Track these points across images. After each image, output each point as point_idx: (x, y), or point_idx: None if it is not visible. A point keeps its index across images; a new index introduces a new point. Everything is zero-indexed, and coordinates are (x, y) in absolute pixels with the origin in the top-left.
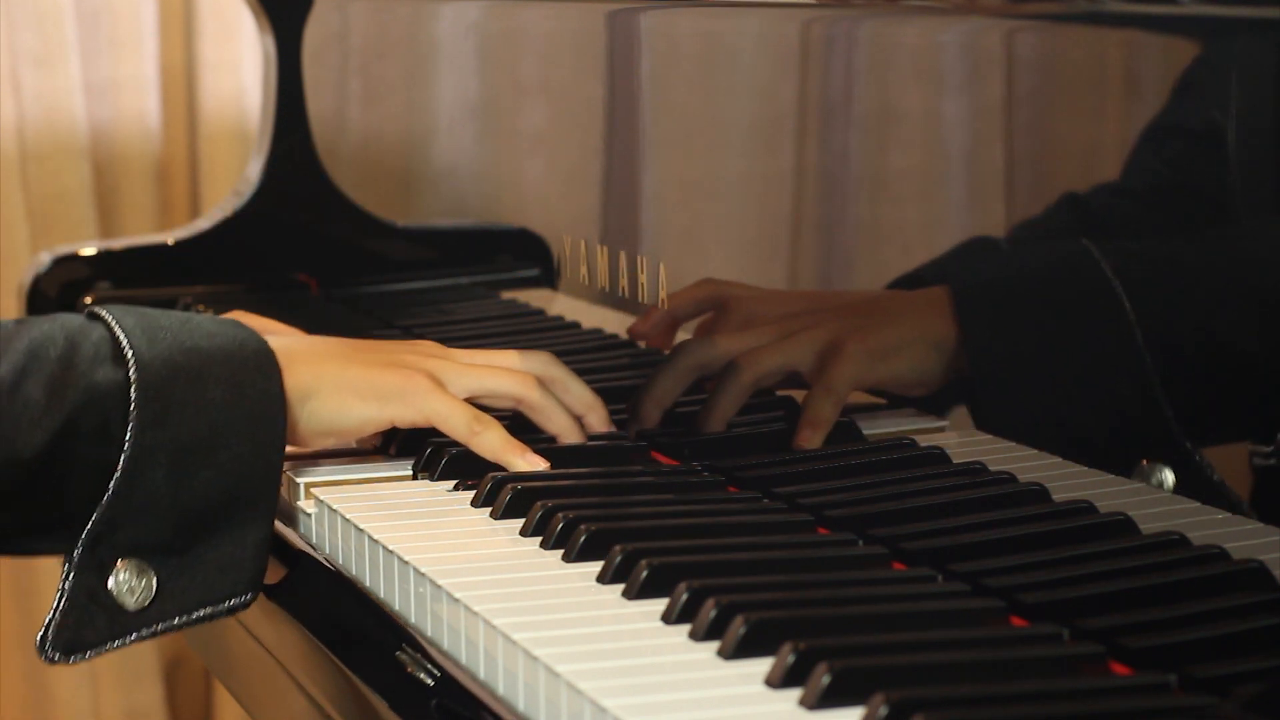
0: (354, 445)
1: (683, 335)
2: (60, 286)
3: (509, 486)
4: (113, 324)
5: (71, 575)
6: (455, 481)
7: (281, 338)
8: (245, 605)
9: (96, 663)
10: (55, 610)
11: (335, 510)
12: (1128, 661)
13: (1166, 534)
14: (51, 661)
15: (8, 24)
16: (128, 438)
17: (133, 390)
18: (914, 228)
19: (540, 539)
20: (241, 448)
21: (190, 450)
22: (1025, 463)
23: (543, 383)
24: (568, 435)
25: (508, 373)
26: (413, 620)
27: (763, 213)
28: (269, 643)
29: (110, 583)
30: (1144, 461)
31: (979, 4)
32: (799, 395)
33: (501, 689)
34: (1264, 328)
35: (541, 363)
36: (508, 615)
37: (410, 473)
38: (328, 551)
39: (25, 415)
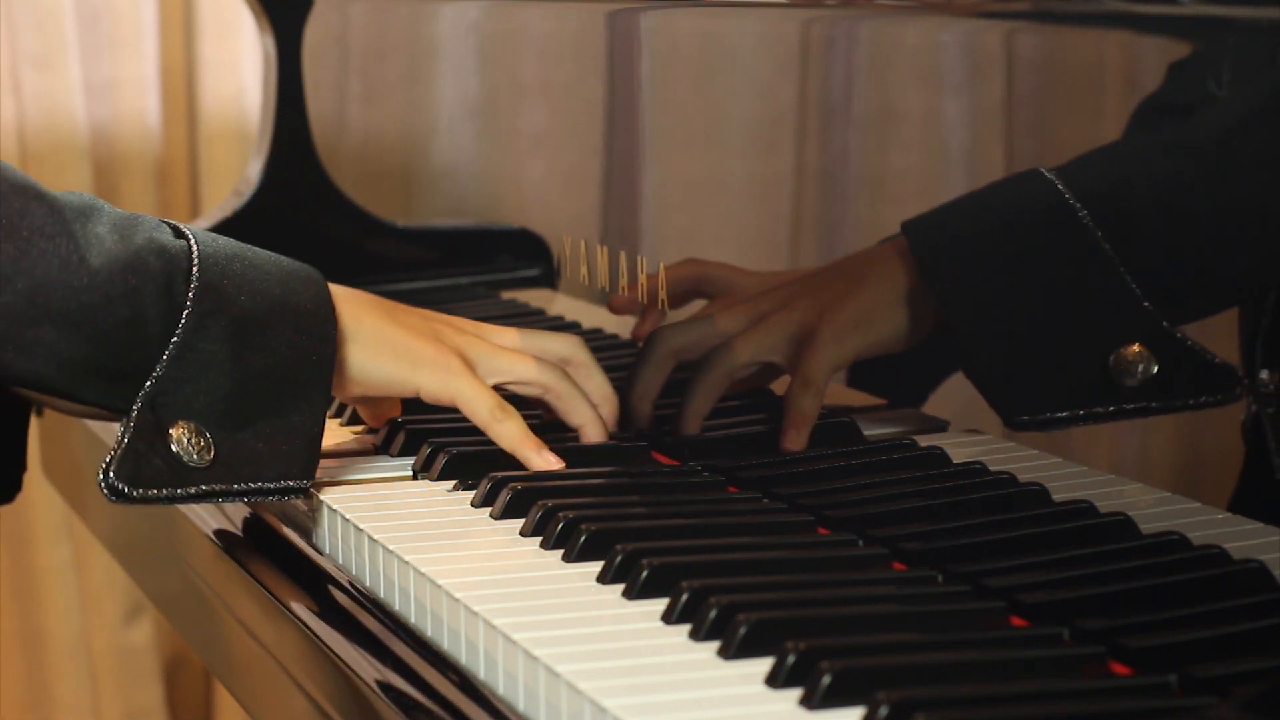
0: (344, 438)
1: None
2: None
3: (509, 487)
4: (168, 221)
5: (131, 426)
6: (455, 482)
7: (333, 285)
8: (297, 491)
9: (96, 663)
10: (116, 449)
11: (335, 510)
12: (1128, 661)
13: (1166, 534)
14: (116, 495)
15: (8, 24)
16: (189, 299)
17: (195, 256)
18: None
19: (540, 539)
20: (297, 336)
21: (247, 325)
22: (1025, 463)
23: (568, 366)
24: (589, 427)
25: (534, 360)
26: (413, 621)
27: (763, 213)
28: (269, 643)
29: (170, 441)
30: (1128, 349)
31: (979, 4)
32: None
33: (501, 689)
34: (1217, 199)
35: (570, 346)
36: (508, 615)
37: (410, 473)
38: (328, 552)
39: (98, 245)
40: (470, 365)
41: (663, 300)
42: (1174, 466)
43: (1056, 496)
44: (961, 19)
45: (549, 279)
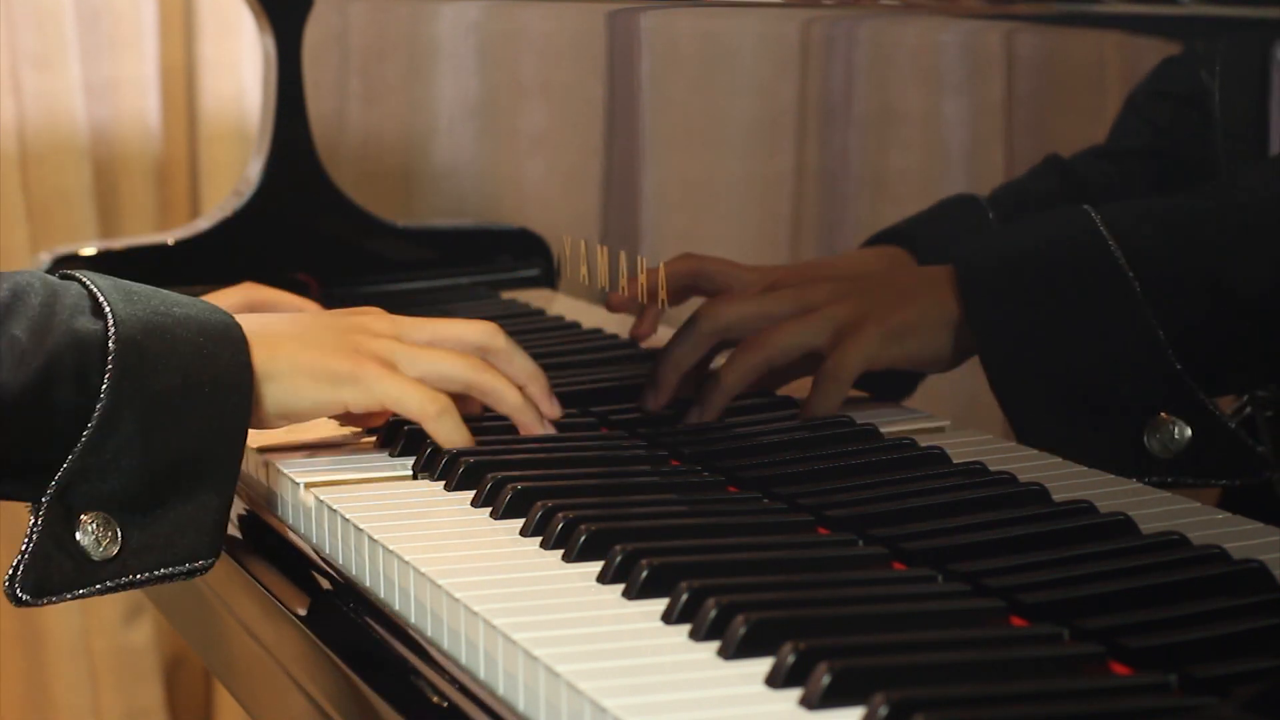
0: (344, 437)
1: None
2: None
3: (509, 487)
4: (88, 282)
5: (40, 522)
6: (456, 481)
7: (243, 315)
8: (204, 570)
9: (97, 663)
10: (24, 553)
11: (335, 510)
12: (1128, 661)
13: (1166, 534)
14: (19, 603)
15: (8, 24)
16: (104, 387)
17: (111, 341)
18: None
19: (540, 539)
20: (209, 411)
21: (162, 407)
22: (1025, 463)
23: (488, 354)
24: (519, 414)
25: (455, 356)
26: (413, 620)
27: (763, 213)
28: (269, 643)
29: (78, 533)
30: (1162, 414)
31: (979, 4)
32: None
33: (501, 689)
34: (1262, 272)
35: (486, 334)
36: (508, 615)
37: (410, 472)
38: (327, 551)
39: (10, 354)
40: (390, 367)
41: (662, 300)
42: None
43: (1056, 496)
44: (961, 19)
45: (549, 279)
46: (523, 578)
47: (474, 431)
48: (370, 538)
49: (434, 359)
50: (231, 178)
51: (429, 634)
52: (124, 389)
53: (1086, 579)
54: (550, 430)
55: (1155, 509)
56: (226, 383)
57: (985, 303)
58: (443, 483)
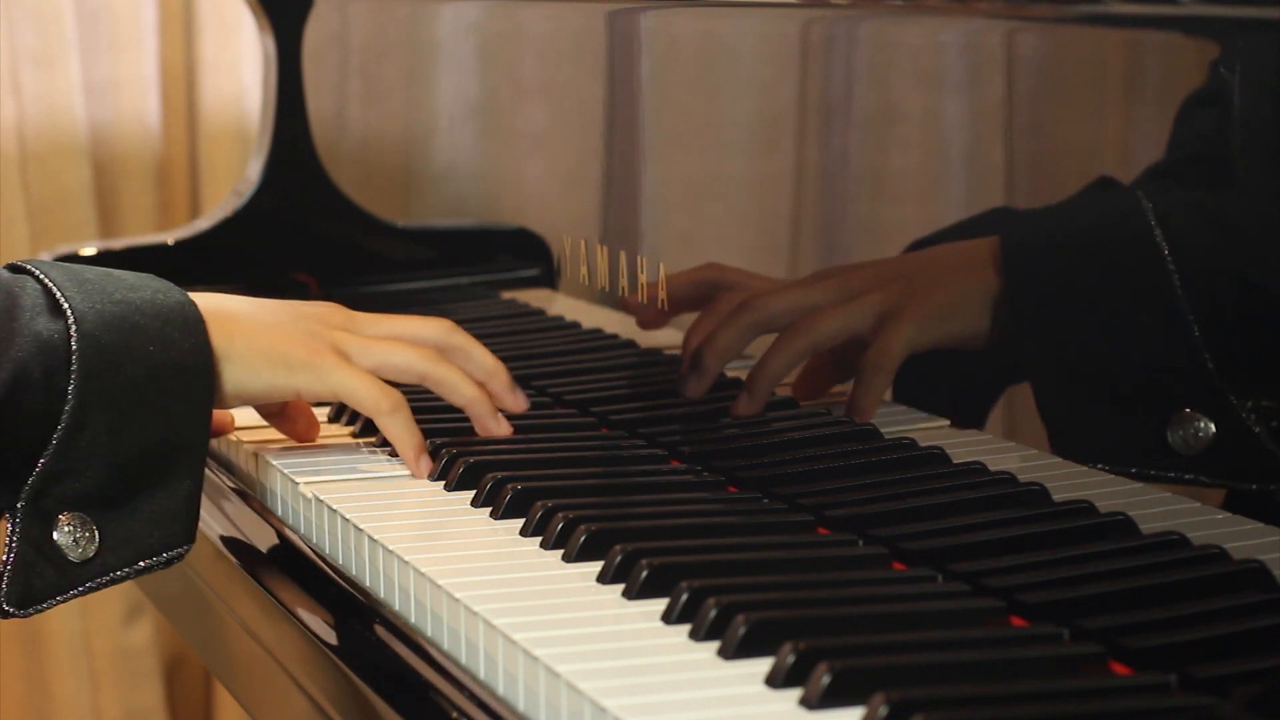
0: (341, 437)
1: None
2: None
3: (509, 487)
4: (42, 277)
5: (18, 529)
6: (455, 481)
7: (198, 294)
8: (180, 557)
9: (96, 663)
10: (6, 565)
11: (335, 510)
12: (1128, 661)
13: (1166, 534)
14: (5, 615)
15: (8, 24)
16: (70, 389)
17: (73, 341)
18: (914, 228)
19: (540, 539)
20: (174, 399)
21: (128, 401)
22: (1025, 463)
23: (445, 351)
24: (474, 406)
25: (409, 348)
26: (413, 620)
27: (763, 213)
28: (269, 643)
29: (55, 535)
30: (1186, 410)
31: (979, 4)
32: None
33: (501, 689)
34: None
35: (442, 331)
36: (508, 615)
37: (410, 472)
38: (327, 551)
39: None
40: (345, 358)
41: (662, 300)
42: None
43: (1056, 496)
44: (961, 19)
45: (549, 279)
46: (523, 578)
47: (463, 432)
48: (371, 538)
49: (388, 350)
50: (231, 178)
51: (429, 634)
52: (90, 389)
53: (1086, 579)
54: (505, 428)
55: (1155, 509)
56: (188, 367)
57: (1026, 280)
58: (442, 483)
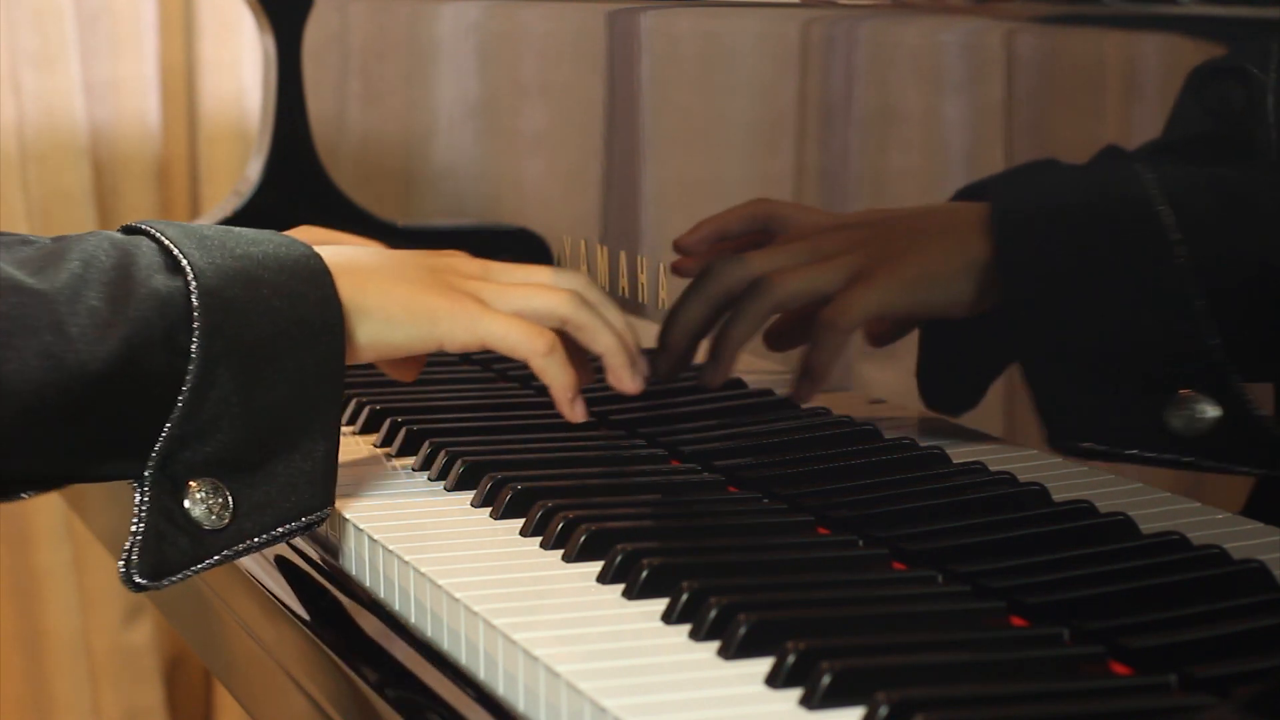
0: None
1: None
2: None
3: (509, 487)
4: (158, 235)
5: (147, 498)
6: (455, 481)
7: (324, 247)
8: (320, 520)
9: (96, 663)
10: (135, 535)
11: (335, 510)
12: (1128, 661)
13: (1166, 534)
14: (139, 589)
15: (8, 24)
16: (194, 347)
17: (194, 297)
18: None
19: (540, 539)
20: (305, 355)
21: (256, 358)
22: (1025, 463)
23: (586, 302)
24: (613, 355)
25: (551, 290)
26: (412, 620)
27: None
28: (269, 643)
29: (186, 503)
30: (1182, 392)
31: (979, 4)
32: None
33: (501, 689)
34: None
35: (578, 283)
36: (508, 615)
37: (408, 472)
38: (326, 551)
39: (90, 325)
40: (485, 305)
41: (662, 300)
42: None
43: (1056, 496)
44: (961, 19)
45: None
46: (523, 578)
47: (477, 431)
48: (370, 537)
49: (528, 294)
50: (231, 178)
51: (429, 634)
52: (215, 346)
53: (1086, 579)
54: (638, 382)
55: (1155, 509)
56: (317, 322)
57: (1020, 249)
58: (442, 483)
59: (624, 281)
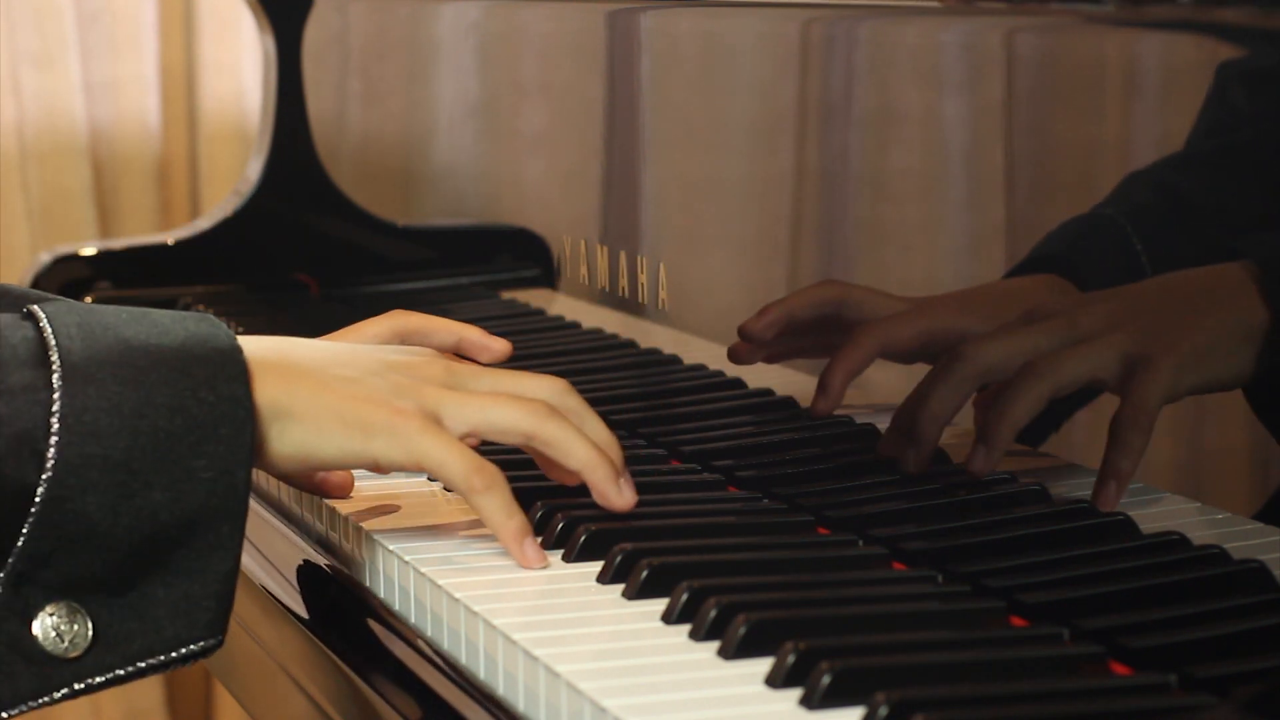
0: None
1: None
2: (60, 286)
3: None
4: (42, 321)
5: None
6: None
7: (260, 339)
8: (205, 653)
9: None
10: None
11: (334, 510)
12: (1128, 661)
13: (1166, 534)
14: None
15: (8, 24)
16: (50, 453)
17: (56, 395)
18: (914, 228)
19: (540, 539)
20: (198, 461)
21: (132, 465)
22: (1025, 463)
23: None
24: (593, 470)
25: (513, 402)
26: (412, 621)
27: (763, 213)
28: (269, 643)
29: (36, 627)
30: None
31: (979, 4)
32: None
33: (501, 689)
34: None
35: (555, 390)
36: (507, 615)
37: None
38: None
39: None
40: (435, 419)
41: (662, 300)
42: (1174, 466)
43: (1056, 497)
44: (961, 19)
45: (549, 279)
46: (522, 577)
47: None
48: (369, 536)
49: (487, 405)
50: (231, 178)
51: (429, 634)
52: (74, 454)
53: (1086, 579)
54: (628, 497)
55: (1155, 509)
56: (218, 425)
57: None
58: (441, 483)
59: (624, 281)
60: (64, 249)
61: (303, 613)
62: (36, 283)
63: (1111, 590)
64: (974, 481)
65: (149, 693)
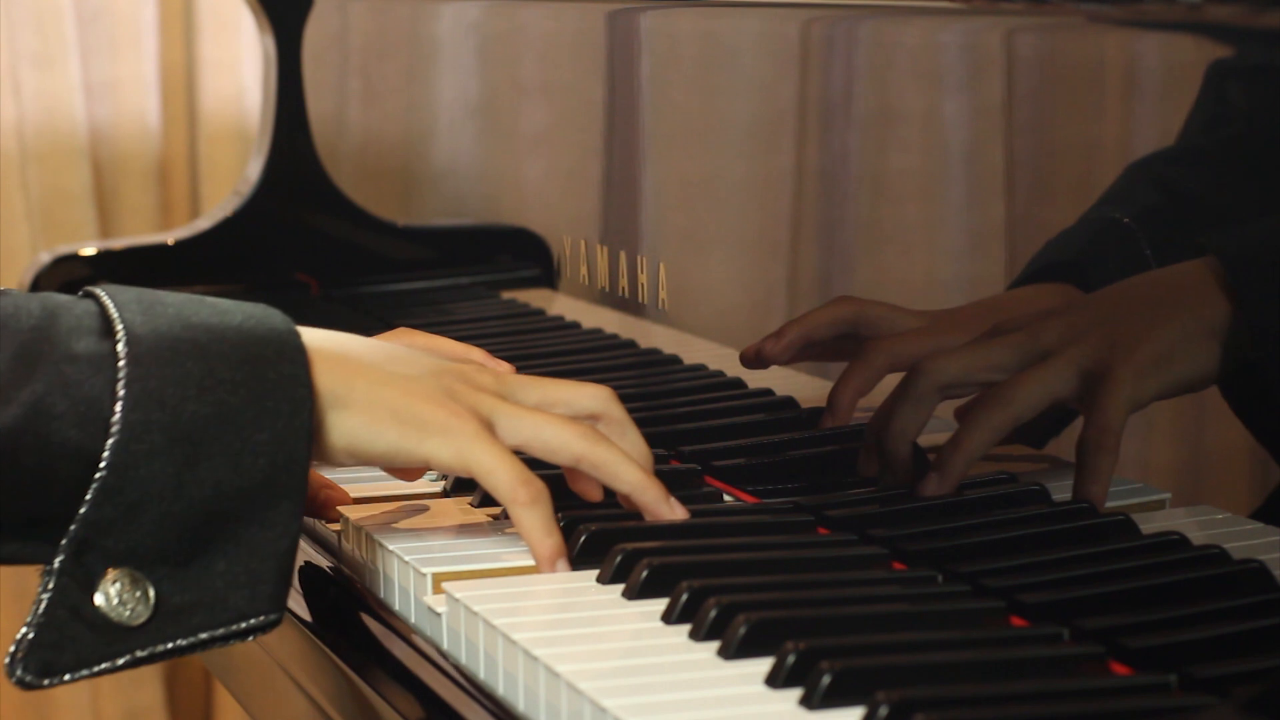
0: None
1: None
2: (60, 286)
3: None
4: (104, 298)
5: (51, 587)
6: (454, 482)
7: (317, 330)
8: (265, 628)
9: None
10: (30, 625)
11: (336, 510)
12: (1128, 661)
13: (1166, 534)
14: (22, 685)
15: (8, 24)
16: (115, 419)
17: (121, 363)
18: (914, 228)
19: None
20: (260, 435)
21: (195, 435)
22: (1025, 463)
23: (599, 422)
24: (642, 492)
25: (565, 424)
26: (412, 620)
27: (763, 213)
28: (269, 643)
29: (98, 597)
30: None
31: (979, 4)
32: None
33: (501, 689)
34: None
35: (601, 400)
36: (507, 616)
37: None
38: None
39: None
40: (489, 426)
41: (662, 300)
42: (1174, 466)
43: (1056, 496)
44: (961, 19)
45: (549, 279)
46: (522, 578)
47: None
48: (369, 536)
49: (540, 424)
50: (231, 178)
51: (428, 635)
52: (139, 419)
53: (1086, 579)
54: (680, 512)
55: (1155, 509)
56: (280, 400)
57: (1265, 296)
58: (442, 484)
59: (624, 281)
60: (64, 249)
61: (303, 613)
62: (36, 282)
63: (1111, 590)
64: (974, 481)
65: (149, 692)
